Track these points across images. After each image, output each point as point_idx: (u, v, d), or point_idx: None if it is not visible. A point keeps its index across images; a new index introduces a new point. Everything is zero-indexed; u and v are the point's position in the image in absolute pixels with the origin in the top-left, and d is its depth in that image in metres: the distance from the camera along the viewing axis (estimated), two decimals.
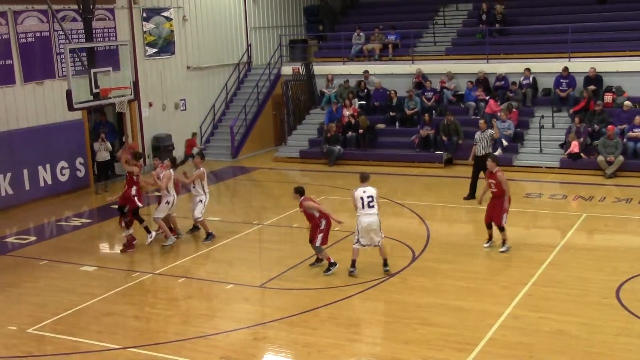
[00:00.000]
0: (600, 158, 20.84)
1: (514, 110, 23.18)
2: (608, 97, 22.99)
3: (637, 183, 19.75)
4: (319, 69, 27.54)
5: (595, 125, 21.81)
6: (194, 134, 25.21)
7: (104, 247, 16.54)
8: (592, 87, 23.20)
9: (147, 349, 10.60)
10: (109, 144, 21.26)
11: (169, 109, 25.09)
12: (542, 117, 22.76)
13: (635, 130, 21.34)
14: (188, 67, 25.82)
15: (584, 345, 10.34)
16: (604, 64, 23.50)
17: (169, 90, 25.01)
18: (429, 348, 10.06)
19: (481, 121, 19.05)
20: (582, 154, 21.31)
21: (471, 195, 18.40)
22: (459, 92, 25.23)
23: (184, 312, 12.05)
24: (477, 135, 18.40)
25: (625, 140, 21.26)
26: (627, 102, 22.31)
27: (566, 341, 10.50)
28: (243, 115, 26.74)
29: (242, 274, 14.02)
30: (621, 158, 20.63)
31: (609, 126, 21.21)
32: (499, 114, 22.91)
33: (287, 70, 27.90)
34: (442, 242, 15.30)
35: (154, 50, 24.40)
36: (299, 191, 13.71)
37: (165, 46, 24.81)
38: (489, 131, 18.33)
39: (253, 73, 28.48)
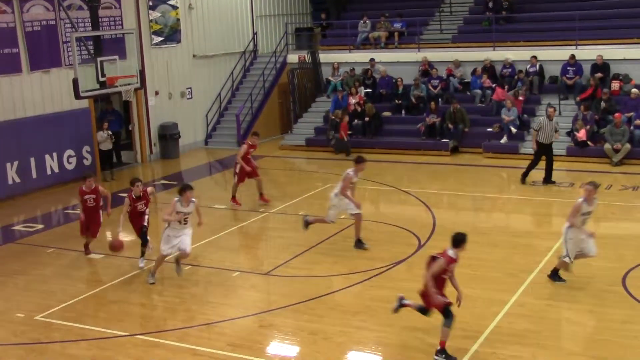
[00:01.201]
0: (607, 146, 20.78)
1: (520, 97, 23.14)
2: (615, 85, 22.88)
3: None
4: (324, 57, 27.48)
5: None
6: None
7: (111, 235, 16.59)
8: (599, 74, 23.11)
9: (154, 336, 10.67)
10: (110, 133, 21.21)
11: (175, 97, 25.11)
12: (549, 104, 22.67)
13: None
14: (194, 56, 25.80)
15: (589, 332, 10.38)
16: (611, 52, 23.39)
17: (175, 78, 25.01)
18: (436, 336, 10.08)
19: (550, 109, 19.08)
20: (589, 142, 21.26)
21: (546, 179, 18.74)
22: (466, 80, 25.17)
23: (190, 300, 12.10)
24: (544, 121, 18.47)
25: (632, 128, 21.19)
26: (634, 90, 22.20)
27: (572, 328, 10.54)
28: (249, 103, 26.74)
29: (248, 261, 14.06)
30: (628, 146, 20.57)
31: (616, 114, 21.14)
32: (505, 101, 22.87)
33: (293, 58, 27.86)
34: (448, 230, 15.21)
35: (160, 38, 24.38)
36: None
37: (171, 34, 24.80)
38: (555, 120, 18.68)
39: (259, 61, 28.45)
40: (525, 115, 23.12)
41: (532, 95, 23.82)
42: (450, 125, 23.03)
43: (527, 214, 16.71)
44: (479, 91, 24.38)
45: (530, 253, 13.45)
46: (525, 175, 18.89)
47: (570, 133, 21.91)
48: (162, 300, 12.20)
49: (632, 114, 21.57)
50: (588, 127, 21.42)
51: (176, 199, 12.49)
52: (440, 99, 24.44)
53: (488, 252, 13.86)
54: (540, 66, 24.20)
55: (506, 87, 23.82)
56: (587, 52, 23.57)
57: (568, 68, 23.60)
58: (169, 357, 10.05)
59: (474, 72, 24.85)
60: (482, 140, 22.80)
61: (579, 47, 23.90)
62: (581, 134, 21.35)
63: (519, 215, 16.96)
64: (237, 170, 17.70)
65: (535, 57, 24.15)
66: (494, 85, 24.15)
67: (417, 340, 10.13)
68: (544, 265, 12.78)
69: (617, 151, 20.62)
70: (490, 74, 24.54)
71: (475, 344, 9.92)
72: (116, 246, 13.42)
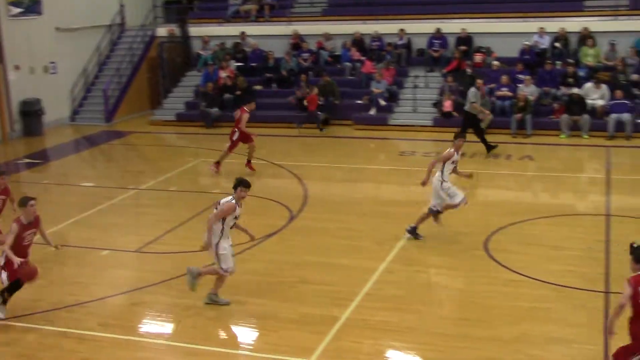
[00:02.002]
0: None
1: (390, 67, 23.60)
2: (478, 58, 23.73)
3: (505, 140, 20.61)
4: (195, 30, 27.07)
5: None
6: None
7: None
8: (463, 47, 23.90)
9: (22, 321, 10.25)
10: None
11: (37, 72, 24.05)
12: (416, 77, 23.29)
13: (503, 89, 22.18)
14: (57, 29, 24.76)
15: (455, 295, 10.79)
16: (475, 25, 24.23)
17: (37, 52, 23.93)
18: (307, 305, 10.21)
19: (479, 81, 19.76)
20: (454, 113, 21.97)
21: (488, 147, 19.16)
22: (336, 53, 25.42)
23: (58, 281, 11.72)
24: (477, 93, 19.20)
25: (493, 98, 22.07)
26: (495, 62, 23.12)
27: (438, 292, 10.93)
28: (117, 78, 26.01)
29: (118, 239, 13.74)
30: (490, 116, 21.40)
31: (478, 80, 21.91)
32: (375, 74, 23.29)
33: (162, 31, 27.29)
34: (320, 201, 15.49)
35: (19, 10, 23.25)
36: None
37: (31, 5, 23.69)
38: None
39: (127, 35, 27.66)
40: (395, 87, 23.64)
41: (400, 67, 24.35)
42: (321, 98, 23.20)
43: (394, 184, 17.15)
44: (349, 64, 24.69)
45: (400, 221, 13.78)
46: (488, 147, 19.27)
47: (437, 104, 22.59)
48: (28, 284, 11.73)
49: (493, 85, 22.44)
50: (453, 98, 22.14)
51: (226, 199, 10.18)
52: (310, 72, 24.58)
53: (359, 222, 14.13)
54: (408, 39, 24.76)
55: (374, 61, 24.26)
56: (452, 26, 24.32)
57: (434, 41, 24.28)
58: (40, 341, 9.70)
59: (344, 45, 25.13)
60: (352, 113, 23.14)
61: (444, 20, 24.60)
62: (447, 105, 22.04)
63: (387, 185, 17.37)
64: (234, 138, 17.53)
65: (403, 30, 24.68)
66: (363, 58, 24.52)
67: (289, 310, 10.22)
68: None
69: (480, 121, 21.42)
70: (360, 47, 24.90)
71: (345, 312, 10.11)
72: (32, 274, 10.29)
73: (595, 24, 23.34)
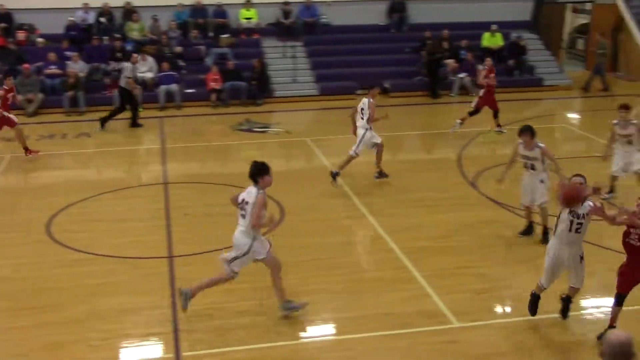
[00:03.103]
0: (20, 97, 20.68)
1: None
2: (21, 35, 22.78)
3: (57, 119, 20.27)
4: None
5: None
6: None
7: None
8: (3, 24, 22.70)
9: None
10: None
11: None
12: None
13: (51, 67, 21.67)
14: None
15: (24, 285, 10.30)
16: (15, 1, 23.09)
17: None
18: None
19: (135, 55, 19.89)
20: None
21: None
22: None
23: None
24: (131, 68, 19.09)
25: (42, 77, 21.44)
26: (40, 39, 22.44)
27: (7, 285, 10.40)
28: None
29: None
30: (40, 95, 20.80)
31: (25, 64, 21.12)
32: None
33: None
34: None
35: None
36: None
37: None
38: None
39: None
40: None
41: None
42: None
43: None
44: None
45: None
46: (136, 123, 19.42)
47: None
48: None
49: (41, 63, 21.78)
50: None
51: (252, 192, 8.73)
52: None
53: None
54: None
55: None
56: None
57: None
58: None
59: None
60: None
61: None
62: None
63: None
64: None
65: None
66: None
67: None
68: None
69: (30, 102, 20.69)
70: None
71: None
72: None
73: None
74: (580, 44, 30.99)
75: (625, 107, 13.09)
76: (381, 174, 14.61)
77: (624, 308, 8.47)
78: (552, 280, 8.82)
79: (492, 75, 18.51)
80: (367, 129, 14.25)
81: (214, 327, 8.95)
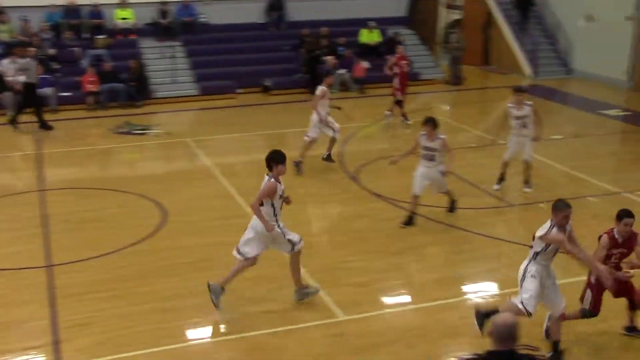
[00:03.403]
0: None
1: None
2: None
3: None
4: None
5: None
6: None
7: None
8: None
9: None
10: None
11: None
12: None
13: None
14: None
15: None
16: None
17: None
18: None
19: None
20: None
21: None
22: None
23: None
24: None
25: None
26: None
27: None
28: None
29: None
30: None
31: None
32: None
33: None
34: None
35: None
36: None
37: None
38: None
39: None
40: None
41: None
42: None
43: None
44: None
45: None
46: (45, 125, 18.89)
47: None
48: None
49: None
50: None
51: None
52: None
53: None
54: None
55: None
56: None
57: None
58: None
59: None
60: None
61: None
62: None
63: None
64: None
65: None
66: None
67: None
68: None
69: None
70: None
71: None
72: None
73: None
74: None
75: (521, 90, 13.41)
76: (298, 164, 14.95)
77: (564, 280, 8.83)
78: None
79: (404, 62, 19.33)
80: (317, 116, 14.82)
81: (95, 334, 8.75)
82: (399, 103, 19.32)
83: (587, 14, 24.97)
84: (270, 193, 8.88)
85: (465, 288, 10.12)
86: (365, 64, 24.04)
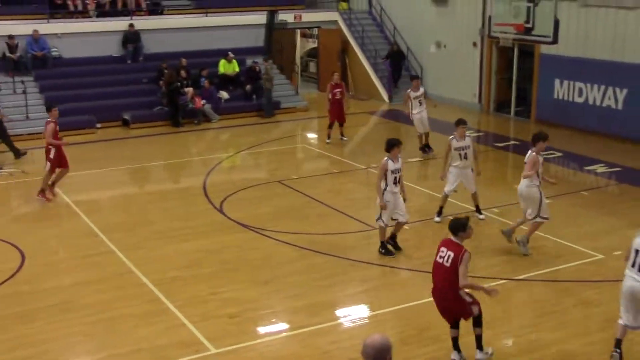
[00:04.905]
0: None
1: None
2: None
3: None
4: None
5: None
6: None
7: None
8: None
9: None
10: None
11: None
12: None
13: None
14: None
15: None
16: None
17: None
18: None
19: None
20: None
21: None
22: None
23: None
24: None
25: None
26: None
27: None
28: None
29: None
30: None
31: None
32: None
33: None
34: None
35: None
36: None
37: None
38: None
39: None
40: None
41: None
42: None
43: None
44: None
45: None
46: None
47: None
48: None
49: None
50: None
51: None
52: None
53: None
54: None
55: None
56: None
57: None
58: None
59: None
60: None
61: None
62: None
63: None
64: (52, 156, 15.27)
65: None
66: None
67: None
68: None
69: None
70: None
71: None
72: None
73: None
74: (312, 67, 32.59)
75: (464, 122, 13.71)
76: None
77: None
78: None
79: (338, 90, 20.19)
80: None
81: None
82: (330, 126, 20.26)
83: (437, 40, 26.15)
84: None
85: (334, 313, 10.28)
86: (224, 94, 24.09)
